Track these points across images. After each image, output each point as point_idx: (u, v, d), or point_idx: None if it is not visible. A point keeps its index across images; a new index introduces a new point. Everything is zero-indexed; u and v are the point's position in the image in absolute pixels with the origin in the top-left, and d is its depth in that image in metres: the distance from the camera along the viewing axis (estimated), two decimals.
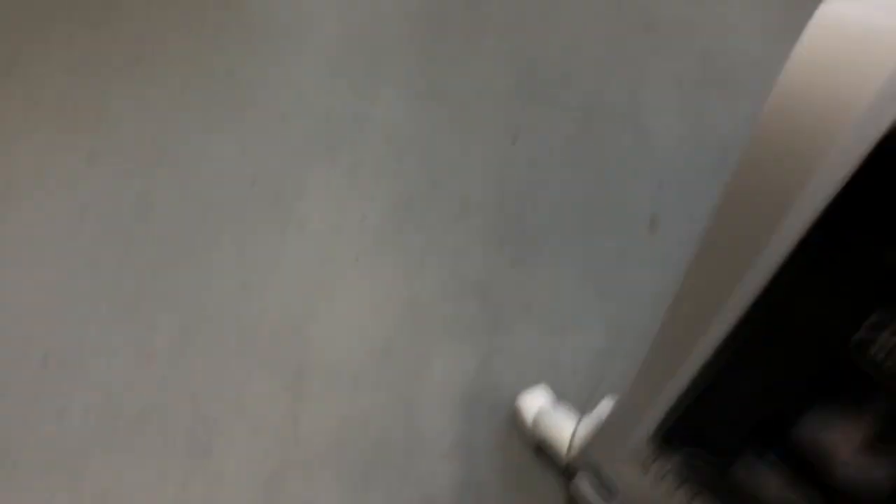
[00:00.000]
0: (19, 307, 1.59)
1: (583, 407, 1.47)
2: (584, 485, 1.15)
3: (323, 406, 1.50)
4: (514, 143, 1.80)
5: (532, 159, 1.78)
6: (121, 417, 1.49)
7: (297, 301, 1.61)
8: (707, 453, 0.62)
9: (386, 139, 1.82)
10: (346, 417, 1.48)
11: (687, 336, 0.62)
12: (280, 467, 1.44)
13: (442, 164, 1.78)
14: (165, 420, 1.49)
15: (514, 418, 1.47)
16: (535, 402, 1.44)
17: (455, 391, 1.50)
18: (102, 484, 1.43)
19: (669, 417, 0.67)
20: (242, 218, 1.71)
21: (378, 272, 1.64)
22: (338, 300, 1.61)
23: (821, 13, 0.48)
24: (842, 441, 0.53)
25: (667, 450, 0.68)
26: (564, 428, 1.33)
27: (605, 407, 1.21)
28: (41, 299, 1.60)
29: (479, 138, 1.81)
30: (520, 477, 1.42)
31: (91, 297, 1.61)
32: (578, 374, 1.52)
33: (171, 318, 1.59)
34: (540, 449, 1.44)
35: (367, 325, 1.58)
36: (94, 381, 1.52)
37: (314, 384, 1.52)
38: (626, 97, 1.88)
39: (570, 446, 1.30)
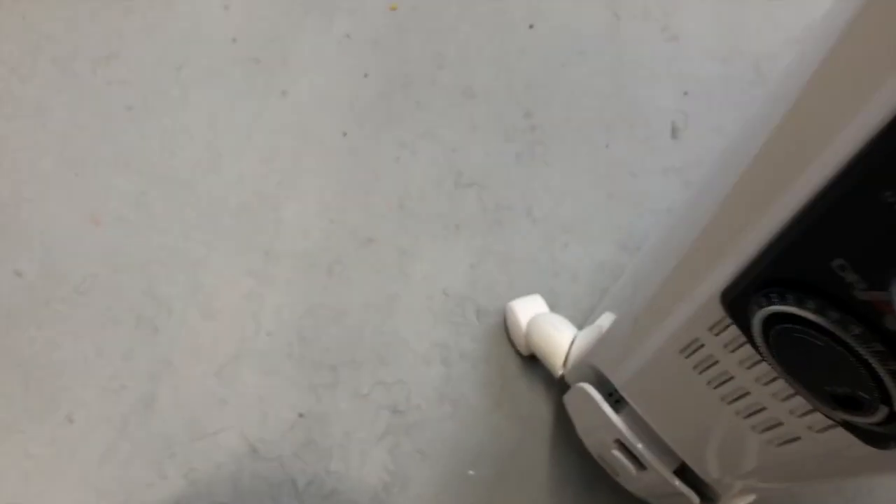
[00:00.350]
0: None
1: (580, 319, 1.32)
2: (588, 391, 0.99)
3: (290, 295, 1.32)
4: (531, 28, 1.60)
5: (548, 49, 1.58)
6: (59, 283, 1.31)
7: (272, 176, 1.42)
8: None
9: (388, 12, 1.61)
10: (315, 309, 1.31)
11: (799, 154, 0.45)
12: (235, 355, 1.27)
13: (448, 45, 1.58)
14: (109, 292, 1.31)
15: (503, 325, 1.31)
16: (529, 309, 1.27)
17: (441, 291, 1.34)
18: (30, 352, 1.25)
19: (766, 256, 0.50)
20: (218, 78, 1.51)
21: (367, 153, 1.45)
22: (319, 179, 1.42)
23: None
24: None
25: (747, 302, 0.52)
26: (561, 338, 1.17)
27: (605, 320, 1.05)
28: None
29: (494, 22, 1.61)
30: (504, 389, 1.26)
31: (35, 147, 1.41)
32: (578, 284, 1.35)
33: (126, 181, 1.40)
34: (529, 360, 1.28)
35: (349, 209, 1.40)
36: (29, 242, 1.34)
37: (283, 270, 1.34)
38: None
39: (568, 356, 1.14)
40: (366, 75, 1.53)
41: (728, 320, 0.60)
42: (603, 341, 1.00)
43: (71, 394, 1.23)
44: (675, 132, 1.50)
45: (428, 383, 1.27)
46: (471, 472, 1.22)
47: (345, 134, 1.46)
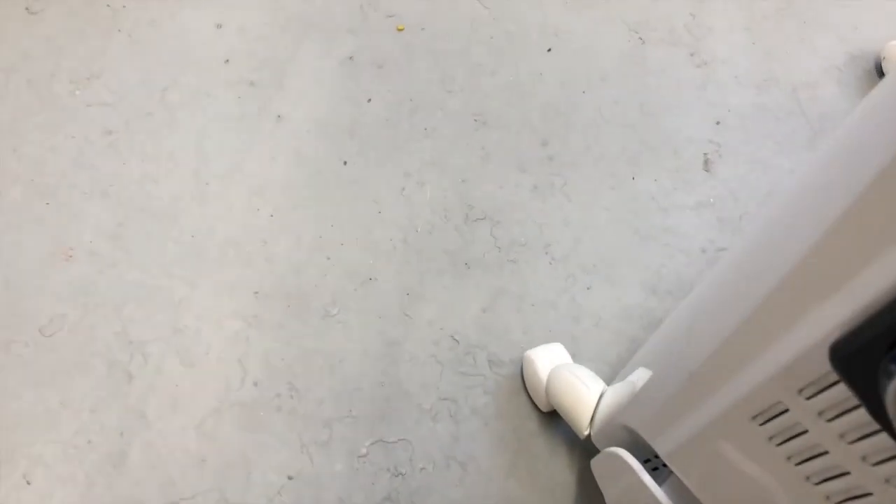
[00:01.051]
0: None
1: (606, 371, 1.18)
2: (623, 458, 0.84)
3: (280, 339, 1.18)
4: (549, 51, 1.48)
5: (568, 73, 1.46)
6: (23, 324, 1.17)
7: (264, 207, 1.29)
8: None
9: (395, 33, 1.49)
10: (309, 355, 1.17)
11: None
12: (217, 408, 1.12)
13: (459, 68, 1.45)
14: (79, 334, 1.17)
15: (519, 377, 1.16)
16: (550, 359, 1.13)
17: (449, 337, 1.19)
18: None
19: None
20: (208, 101, 1.38)
21: (369, 183, 1.32)
22: (315, 211, 1.29)
23: None
24: None
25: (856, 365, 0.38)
26: (588, 393, 1.03)
27: (639, 376, 0.90)
28: None
29: (508, 44, 1.49)
30: (520, 450, 1.11)
31: (5, 174, 1.28)
32: (603, 331, 1.21)
33: (102, 212, 1.26)
34: (549, 416, 1.13)
35: (347, 245, 1.26)
36: None
37: (273, 311, 1.20)
38: (687, 18, 1.57)
39: (595, 414, 1.00)
40: (369, 100, 1.40)
41: (828, 381, 0.46)
42: (639, 401, 0.85)
43: (29, 450, 1.08)
44: (707, 164, 1.37)
45: (434, 442, 1.11)
46: None
47: (345, 162, 1.33)
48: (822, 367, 0.46)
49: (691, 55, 1.50)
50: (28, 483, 1.07)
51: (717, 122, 1.41)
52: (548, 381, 1.09)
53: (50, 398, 1.12)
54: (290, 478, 1.08)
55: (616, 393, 0.96)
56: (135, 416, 1.11)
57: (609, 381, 1.07)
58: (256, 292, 1.21)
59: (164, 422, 1.11)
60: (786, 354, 0.50)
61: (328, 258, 1.24)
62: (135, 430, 1.10)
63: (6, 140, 1.32)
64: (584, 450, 1.10)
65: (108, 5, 1.47)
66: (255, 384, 1.14)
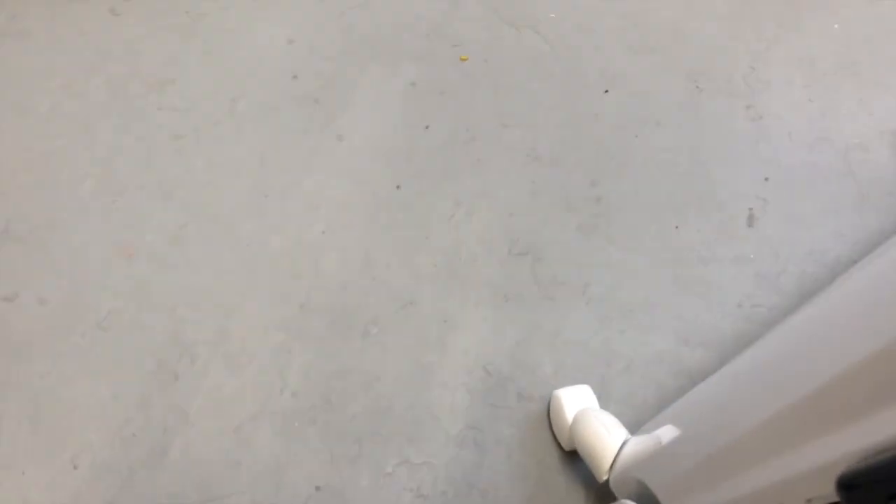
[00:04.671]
0: None
1: (630, 415, 1.21)
2: None
3: (321, 354, 1.23)
4: (606, 93, 1.51)
5: (623, 116, 1.49)
6: (82, 316, 1.24)
7: (317, 223, 1.34)
8: None
9: (458, 62, 1.53)
10: (346, 372, 1.22)
11: None
12: (255, 414, 1.18)
13: (517, 102, 1.49)
14: (133, 331, 1.24)
15: (545, 413, 1.20)
16: (577, 401, 1.16)
17: (482, 367, 1.24)
18: (41, 385, 1.18)
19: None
20: (274, 115, 1.44)
21: (419, 209, 1.37)
22: (365, 231, 1.34)
23: None
24: None
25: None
26: (611, 441, 1.06)
27: (666, 432, 0.93)
28: (18, 162, 1.35)
29: (567, 82, 1.52)
30: (539, 484, 1.15)
31: (77, 169, 1.35)
32: (632, 375, 1.24)
33: (165, 214, 1.33)
34: (570, 455, 1.17)
35: (393, 267, 1.31)
36: (57, 268, 1.28)
37: (316, 326, 1.26)
38: (747, 70, 1.58)
39: (615, 461, 1.03)
40: (427, 127, 1.45)
41: (834, 498, 0.50)
42: (661, 459, 0.89)
43: (79, 437, 1.16)
44: (751, 220, 1.39)
45: (457, 468, 1.16)
46: None
47: (398, 186, 1.38)
48: (830, 488, 0.49)
49: (747, 108, 1.51)
50: (75, 468, 1.14)
51: (766, 179, 1.43)
52: (573, 422, 1.13)
53: (102, 389, 1.19)
54: (317, 488, 1.14)
55: (639, 444, 1.00)
56: (178, 414, 1.18)
57: (632, 425, 1.10)
58: (302, 305, 1.27)
59: (205, 423, 1.18)
60: (800, 465, 0.54)
61: (373, 278, 1.30)
62: (177, 428, 1.17)
63: (81, 136, 1.39)
64: (599, 492, 1.13)
65: (187, 12, 1.54)
66: (294, 395, 1.20)
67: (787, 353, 0.68)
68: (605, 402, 1.21)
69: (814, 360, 0.56)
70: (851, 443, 0.46)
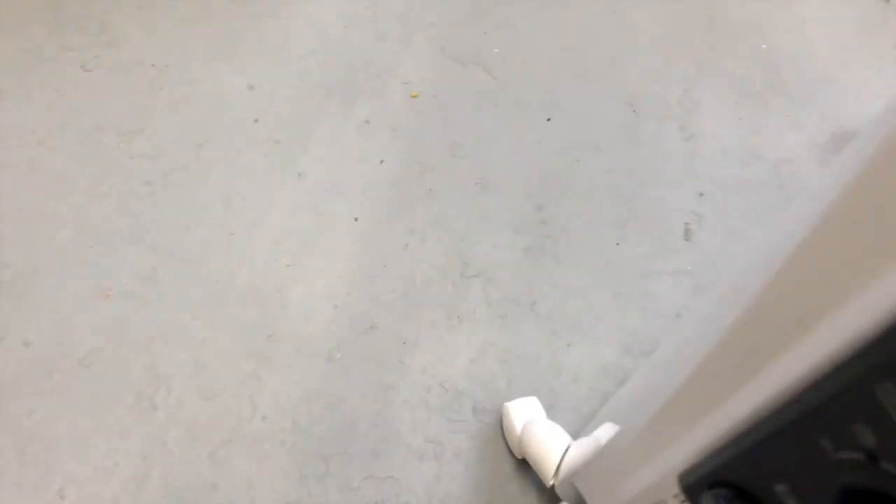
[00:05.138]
0: None
1: (579, 423, 1.30)
2: None
3: (288, 380, 1.33)
4: (548, 121, 1.61)
5: (565, 142, 1.60)
6: (65, 355, 1.33)
7: (282, 258, 1.44)
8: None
9: (409, 99, 1.64)
10: (313, 395, 1.31)
11: (763, 354, 0.44)
12: (228, 439, 1.27)
13: (466, 134, 1.60)
14: (113, 366, 1.33)
15: (499, 425, 1.30)
16: (526, 412, 1.26)
17: (439, 384, 1.33)
18: (28, 423, 1.27)
19: (718, 456, 0.49)
20: (238, 157, 1.54)
21: (377, 239, 1.46)
22: (327, 263, 1.43)
23: None
24: None
25: (701, 494, 0.50)
26: (554, 448, 1.16)
27: (604, 431, 1.03)
28: (1, 214, 1.45)
29: (512, 112, 1.63)
30: (495, 492, 1.24)
31: (56, 218, 1.45)
32: (580, 386, 1.34)
33: (139, 256, 1.43)
34: (523, 463, 1.26)
35: (354, 295, 1.41)
36: (40, 311, 1.36)
37: (283, 353, 1.35)
38: (680, 93, 1.69)
39: (559, 469, 1.12)
40: (382, 161, 1.55)
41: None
42: (589, 462, 0.98)
43: (65, 469, 1.24)
44: (688, 234, 1.49)
45: (419, 480, 1.25)
46: None
47: (356, 219, 1.48)
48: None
49: (681, 129, 1.62)
50: (62, 498, 1.22)
51: (701, 194, 1.54)
52: (521, 432, 1.22)
53: (84, 423, 1.28)
54: None
55: (579, 448, 1.09)
56: (157, 442, 1.27)
57: (580, 433, 1.20)
58: (270, 335, 1.36)
59: (182, 449, 1.27)
60: (661, 470, 0.63)
61: (335, 307, 1.39)
62: (156, 455, 1.26)
63: (59, 187, 1.48)
64: (551, 496, 1.22)
65: (153, 65, 1.64)
66: (264, 419, 1.29)
67: (673, 352, 0.78)
68: (555, 413, 1.30)
69: (680, 359, 0.66)
70: (686, 448, 0.56)
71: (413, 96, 1.63)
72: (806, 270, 0.40)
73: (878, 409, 0.33)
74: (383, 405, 1.31)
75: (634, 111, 1.64)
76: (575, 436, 1.18)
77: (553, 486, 1.14)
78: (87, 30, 1.69)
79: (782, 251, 0.43)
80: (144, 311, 1.38)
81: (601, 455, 0.91)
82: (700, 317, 0.78)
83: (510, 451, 1.27)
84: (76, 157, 1.52)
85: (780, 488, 0.41)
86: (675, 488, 0.62)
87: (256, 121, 1.58)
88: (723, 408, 0.49)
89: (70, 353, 1.34)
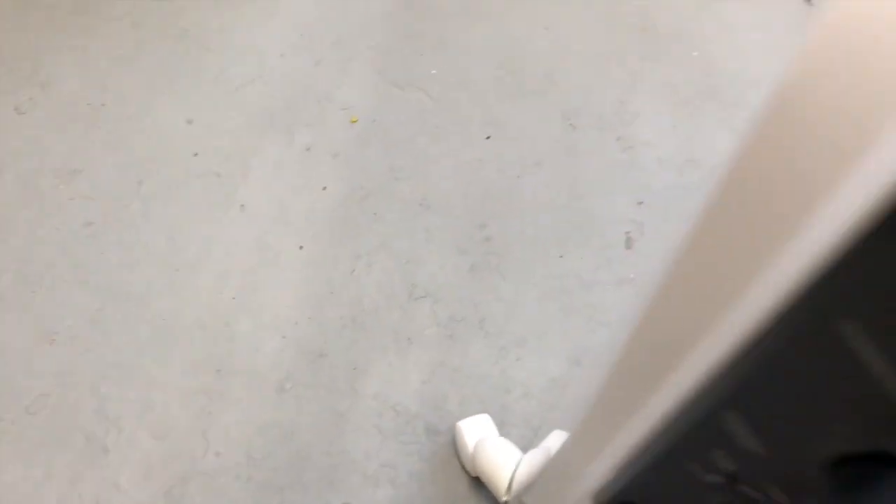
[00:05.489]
0: None
1: (531, 437, 1.32)
2: None
3: (240, 413, 1.33)
4: (487, 139, 1.64)
5: (505, 160, 1.62)
6: (11, 403, 1.32)
7: (227, 291, 1.44)
8: None
9: (349, 124, 1.65)
10: (265, 427, 1.31)
11: (653, 378, 0.46)
12: (184, 477, 1.27)
13: (407, 157, 1.61)
14: (60, 412, 1.31)
15: (452, 444, 1.31)
16: (478, 430, 1.27)
17: (391, 408, 1.34)
18: None
19: (620, 478, 0.51)
20: (179, 193, 1.54)
21: (322, 266, 1.47)
22: (274, 293, 1.44)
23: None
24: None
25: None
26: (505, 464, 1.17)
27: (552, 441, 1.05)
28: None
29: (451, 133, 1.65)
30: None
31: None
32: (530, 400, 1.35)
33: (83, 298, 1.42)
34: (478, 481, 1.27)
35: (302, 324, 1.41)
36: None
37: (234, 387, 1.35)
38: (616, 104, 1.72)
39: (510, 485, 1.14)
40: (324, 188, 1.56)
41: None
42: (536, 477, 1.00)
43: None
44: (629, 243, 1.52)
45: (374, 500, 1.26)
46: None
47: (301, 247, 1.49)
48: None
49: (618, 139, 1.65)
50: None
51: (640, 203, 1.57)
52: (473, 451, 1.23)
53: (35, 471, 1.27)
54: None
55: (530, 462, 1.11)
56: (110, 486, 1.26)
57: (531, 441, 1.21)
58: (219, 370, 1.36)
59: (137, 490, 1.26)
60: (585, 483, 0.65)
61: (284, 337, 1.39)
62: (110, 498, 1.25)
63: None
64: None
65: (88, 104, 1.63)
66: (217, 454, 1.29)
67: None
68: (507, 428, 1.32)
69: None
70: (600, 469, 0.58)
71: (353, 121, 1.64)
72: (671, 301, 0.42)
73: (728, 437, 0.35)
74: (336, 433, 1.32)
75: (572, 125, 1.67)
76: (527, 450, 1.20)
77: (507, 503, 1.16)
78: (20, 72, 1.68)
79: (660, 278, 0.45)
80: (91, 354, 1.37)
81: (547, 467, 0.93)
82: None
83: (464, 470, 1.29)
84: (14, 202, 1.51)
85: None
86: None
87: (196, 154, 1.58)
88: (624, 428, 0.50)
89: (16, 401, 1.32)
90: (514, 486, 1.13)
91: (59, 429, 1.30)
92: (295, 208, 1.53)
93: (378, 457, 1.30)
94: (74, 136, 1.60)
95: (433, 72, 1.74)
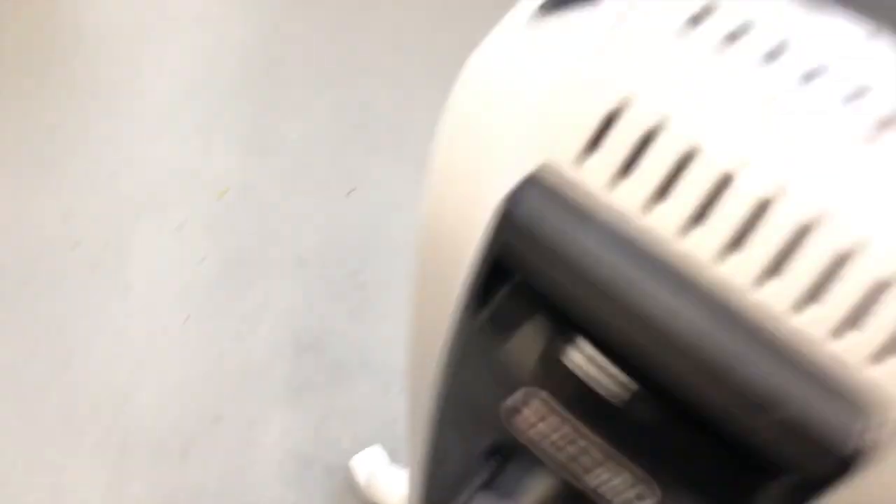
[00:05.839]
0: None
1: None
2: None
3: (148, 483, 1.40)
4: (349, 194, 1.76)
5: (368, 210, 1.75)
6: None
7: (122, 371, 1.51)
8: None
9: (218, 195, 1.75)
10: (173, 494, 1.40)
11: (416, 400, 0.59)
12: None
13: (277, 219, 1.72)
14: None
15: (349, 480, 1.42)
16: (369, 464, 1.38)
17: (290, 456, 1.44)
18: None
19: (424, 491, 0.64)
20: (63, 287, 1.61)
21: (209, 333, 1.56)
22: (166, 366, 1.52)
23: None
24: None
25: None
26: (396, 489, 1.29)
27: None
28: None
29: (314, 191, 1.77)
30: None
31: None
32: None
33: None
34: None
35: (196, 391, 1.50)
36: None
37: (139, 460, 1.43)
38: None
39: None
40: (203, 259, 1.65)
41: None
42: None
43: None
44: None
45: None
46: None
47: (187, 317, 1.58)
48: None
49: None
50: None
51: None
52: (367, 483, 1.35)
53: None
54: None
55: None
56: None
57: None
58: (122, 446, 1.43)
59: None
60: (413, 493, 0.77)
61: (181, 405, 1.48)
62: None
63: None
64: None
65: None
66: None
67: None
68: (400, 455, 1.42)
69: None
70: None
71: (222, 193, 1.74)
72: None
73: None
74: (241, 488, 1.41)
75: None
76: None
77: None
78: None
79: None
80: None
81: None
82: None
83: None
84: None
85: None
86: None
87: (76, 245, 1.65)
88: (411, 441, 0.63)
89: None
90: None
91: None
92: (177, 282, 1.62)
93: (282, 502, 1.39)
94: None
95: (293, 136, 1.86)
